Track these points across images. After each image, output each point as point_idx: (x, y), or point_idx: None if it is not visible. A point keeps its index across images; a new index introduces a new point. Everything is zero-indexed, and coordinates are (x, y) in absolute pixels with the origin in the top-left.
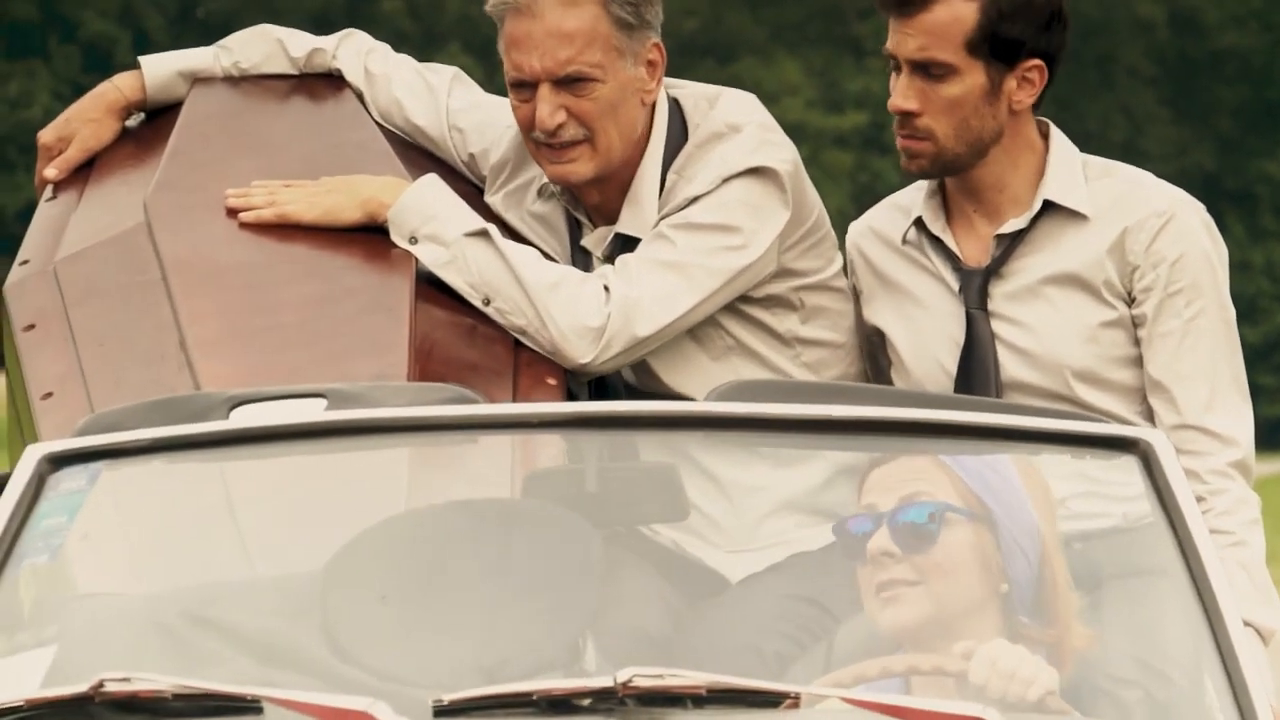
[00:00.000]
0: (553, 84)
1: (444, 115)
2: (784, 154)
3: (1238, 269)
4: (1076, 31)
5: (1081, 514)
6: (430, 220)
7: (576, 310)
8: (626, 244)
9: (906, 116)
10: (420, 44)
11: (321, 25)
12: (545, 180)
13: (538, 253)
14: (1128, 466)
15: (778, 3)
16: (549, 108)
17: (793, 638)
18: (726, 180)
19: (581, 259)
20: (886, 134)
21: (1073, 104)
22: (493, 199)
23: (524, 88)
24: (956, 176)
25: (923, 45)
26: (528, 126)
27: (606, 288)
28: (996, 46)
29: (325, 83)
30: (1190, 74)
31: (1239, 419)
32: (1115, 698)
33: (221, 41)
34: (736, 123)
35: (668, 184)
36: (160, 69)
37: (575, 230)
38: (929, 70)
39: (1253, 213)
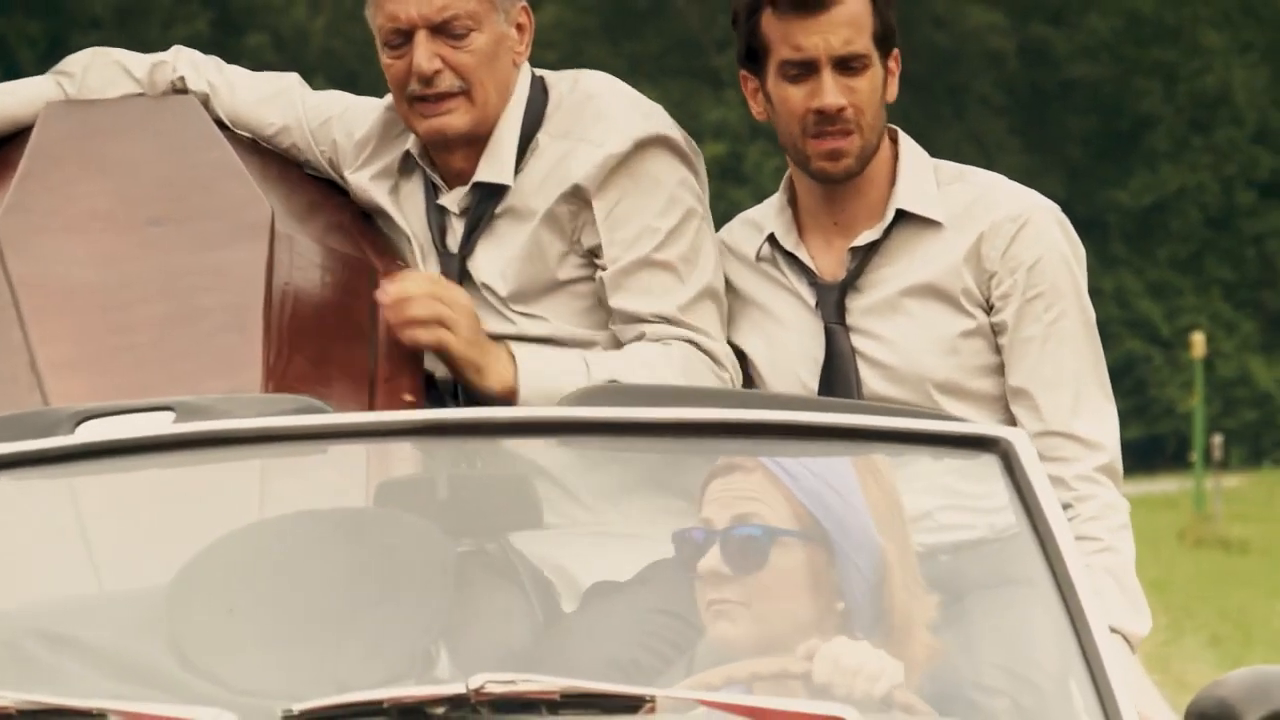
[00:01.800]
0: (429, 31)
1: (301, 110)
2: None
3: (1089, 296)
4: (929, 62)
5: (947, 525)
6: (557, 392)
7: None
8: (485, 193)
9: (833, 116)
10: None
11: None
12: (406, 150)
13: (643, 357)
14: (988, 466)
15: (636, 35)
16: (426, 54)
17: (651, 648)
18: (641, 145)
19: (438, 216)
20: (745, 164)
21: (925, 133)
22: (354, 176)
23: (399, 41)
24: (822, 185)
25: (847, 39)
26: (403, 80)
27: (693, 342)
28: (885, 35)
29: (176, 103)
30: (1040, 104)
31: (1105, 423)
32: (981, 706)
33: (58, 68)
34: (608, 88)
35: (539, 145)
36: None
37: (433, 194)
38: (849, 64)
39: (1103, 240)
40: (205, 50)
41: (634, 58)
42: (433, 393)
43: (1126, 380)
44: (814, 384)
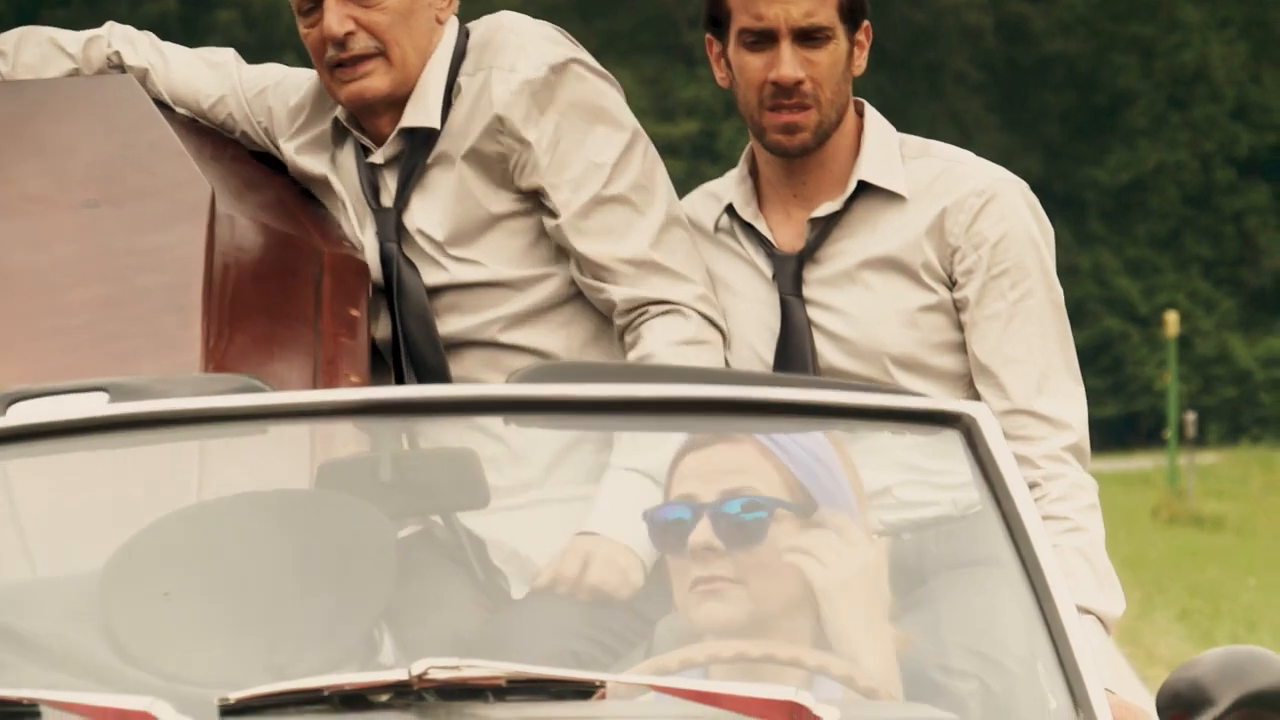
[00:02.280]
0: None
1: (237, 81)
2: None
3: (1065, 274)
4: (905, 39)
5: (910, 502)
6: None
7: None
8: (414, 142)
9: (789, 89)
10: (256, 51)
11: (159, 35)
12: (336, 117)
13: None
14: (950, 443)
15: (609, 12)
16: (336, 16)
17: (596, 640)
18: (556, 69)
19: (369, 175)
20: (718, 142)
21: (901, 111)
22: (289, 145)
23: (310, 8)
24: (782, 158)
25: (808, 10)
26: (320, 48)
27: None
28: (853, 7)
29: (113, 82)
30: (1018, 81)
31: (1071, 402)
32: (947, 689)
33: None
34: (514, 18)
35: (460, 87)
36: None
37: (363, 156)
38: (811, 36)
39: (1080, 218)
40: (175, 28)
41: (607, 35)
42: (379, 371)
43: (1104, 358)
44: (769, 356)
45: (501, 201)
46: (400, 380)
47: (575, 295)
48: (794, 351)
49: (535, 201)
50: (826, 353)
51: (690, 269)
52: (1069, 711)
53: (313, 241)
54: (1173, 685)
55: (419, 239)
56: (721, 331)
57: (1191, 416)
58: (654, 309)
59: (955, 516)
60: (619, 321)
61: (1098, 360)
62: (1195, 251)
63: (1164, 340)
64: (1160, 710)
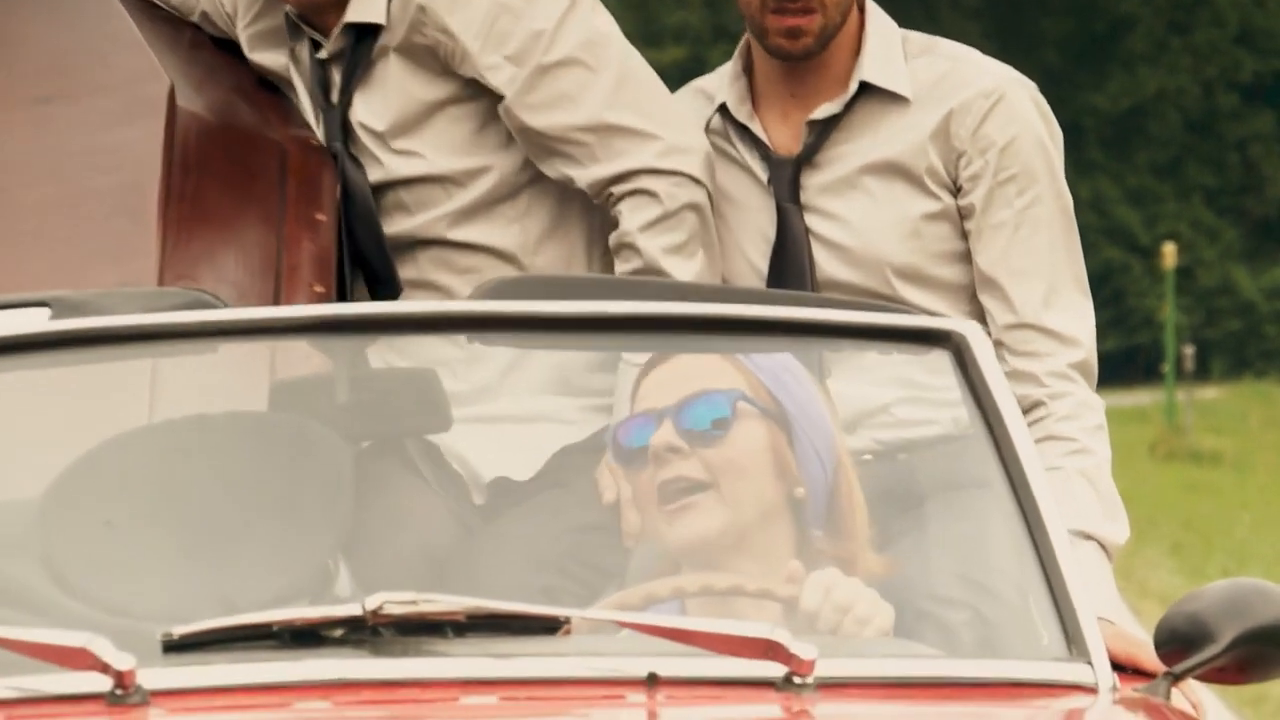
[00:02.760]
0: None
1: None
2: None
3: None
4: None
5: (905, 421)
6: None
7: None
8: (358, 36)
9: None
10: None
11: None
12: (286, 12)
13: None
14: (939, 362)
15: None
16: None
17: (568, 572)
18: None
19: (319, 71)
20: (706, 68)
21: None
22: (244, 33)
23: None
24: (781, 59)
25: None
26: None
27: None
28: None
29: None
30: (1015, 7)
31: (1080, 316)
32: (935, 618)
33: None
34: None
35: None
36: None
37: (315, 50)
38: None
39: (1080, 146)
40: None
41: None
42: (353, 278)
43: (1104, 290)
44: (764, 266)
45: (440, 88)
46: (343, 286)
47: (528, 185)
48: (791, 262)
49: (478, 87)
50: (825, 263)
51: (653, 119)
52: (1061, 645)
53: (276, 138)
54: (1171, 621)
55: (362, 134)
56: (697, 181)
57: (1190, 350)
58: (618, 189)
59: (953, 436)
60: (596, 203)
61: (1098, 292)
62: (1198, 180)
63: (1163, 273)
64: (1158, 646)
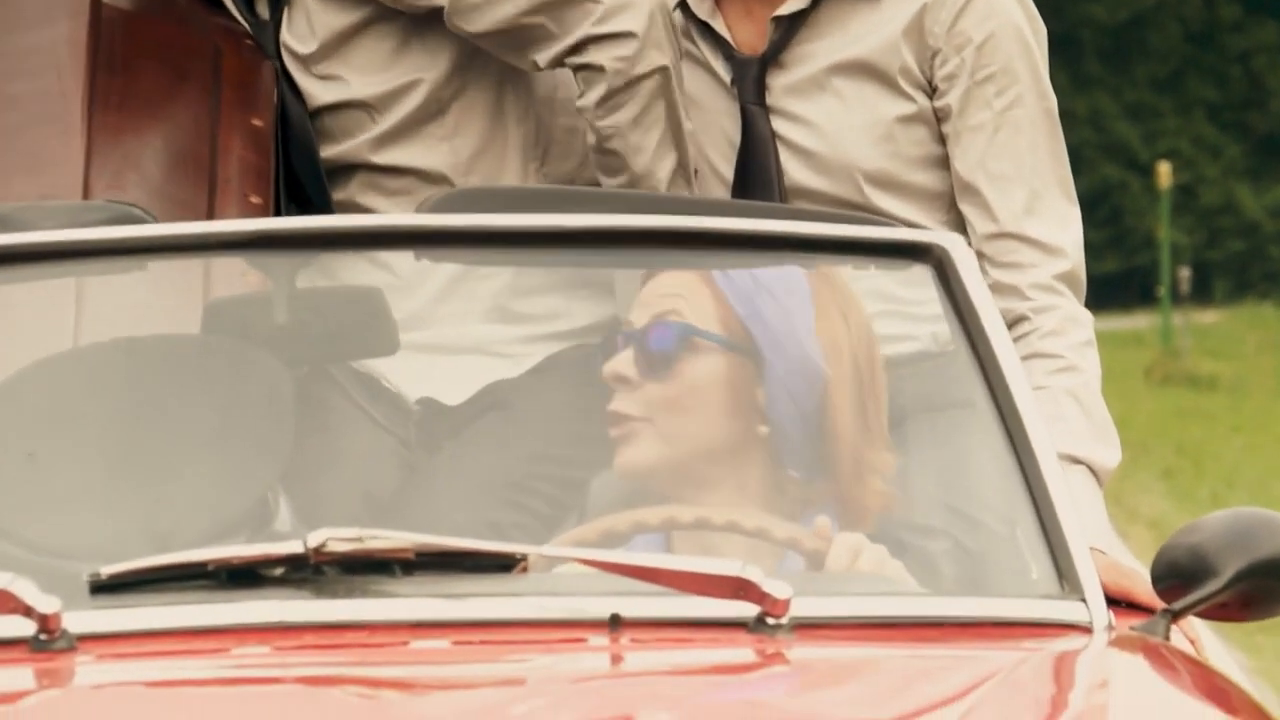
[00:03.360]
0: None
1: None
2: None
3: (1060, 120)
4: None
5: (886, 337)
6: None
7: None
8: None
9: None
10: None
11: None
12: None
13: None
14: (920, 277)
15: None
16: None
17: (522, 506)
18: None
19: None
20: None
21: None
22: None
23: None
24: None
25: None
26: None
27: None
28: None
29: None
30: None
31: (1065, 224)
32: (916, 552)
33: None
34: None
35: None
36: None
37: None
38: None
39: (1077, 59)
40: None
41: None
42: (290, 194)
43: (1101, 209)
44: (729, 172)
45: (358, 11)
46: (278, 206)
47: (454, 102)
48: (757, 167)
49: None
50: (792, 169)
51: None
52: (1052, 580)
53: (209, 38)
54: (1170, 553)
55: (287, 56)
56: (644, 37)
57: (1186, 273)
58: (570, 63)
59: (934, 354)
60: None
61: (1095, 211)
62: (1199, 94)
63: (1160, 192)
64: (1156, 581)
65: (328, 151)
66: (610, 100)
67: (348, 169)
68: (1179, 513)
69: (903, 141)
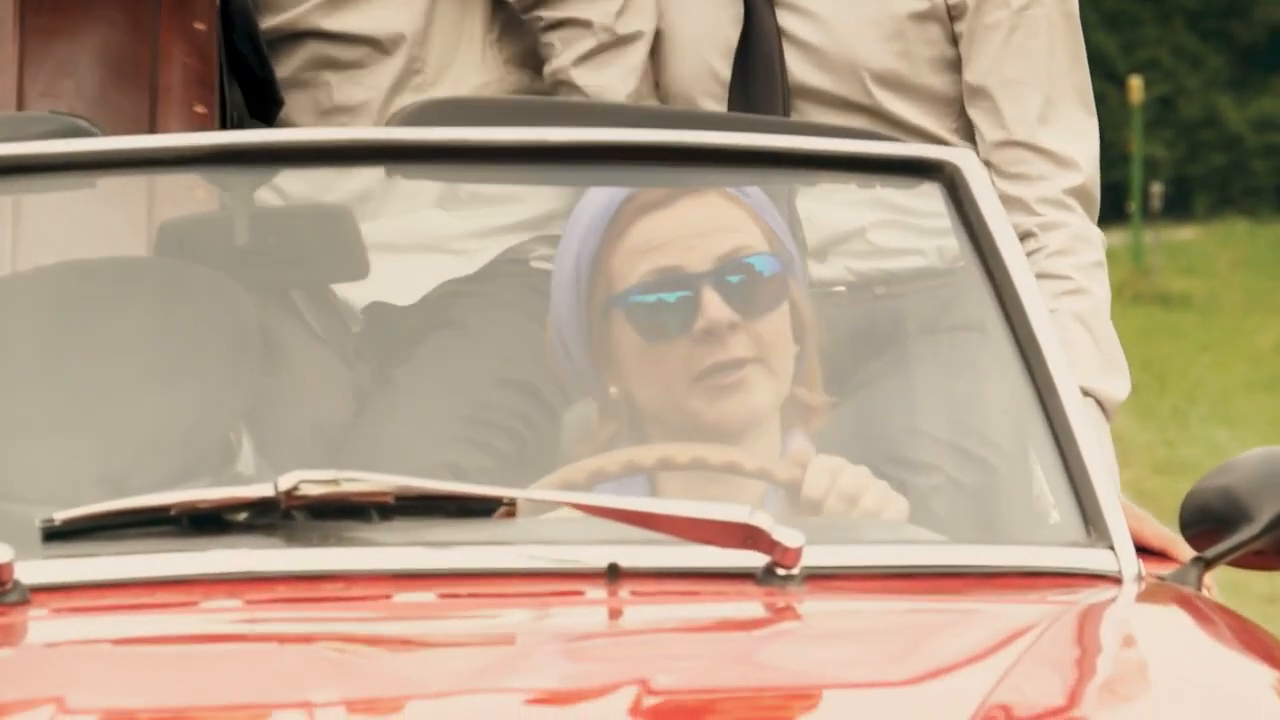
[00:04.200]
0: None
1: None
2: None
3: None
4: None
5: (884, 249)
6: None
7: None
8: None
9: None
10: None
11: None
12: None
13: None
14: (929, 196)
15: None
16: None
17: (488, 443)
18: None
19: None
20: None
21: None
22: None
23: None
24: None
25: None
26: None
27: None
28: None
29: None
30: None
31: (1080, 135)
32: (928, 494)
33: None
34: None
35: None
36: None
37: None
38: None
39: None
40: None
41: None
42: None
43: None
44: (726, 71)
45: None
46: (223, 100)
47: None
48: (759, 65)
49: None
50: (797, 67)
51: None
52: (1077, 525)
53: None
54: (1200, 496)
55: None
56: None
57: (1158, 189)
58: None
59: (944, 276)
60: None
61: None
62: (1179, 2)
63: (1146, 103)
64: (1185, 527)
65: (272, 21)
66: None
67: (295, 39)
68: (1139, 429)
69: (913, 40)
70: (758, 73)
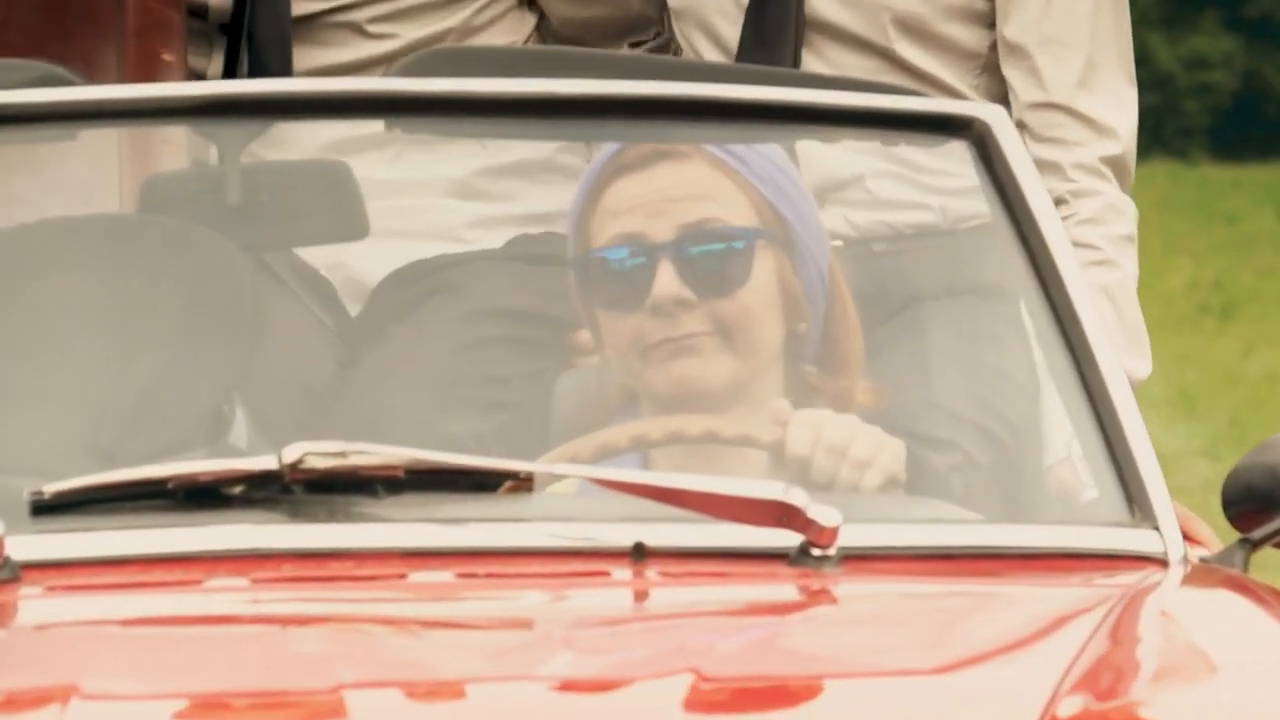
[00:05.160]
0: None
1: None
2: None
3: None
4: None
5: (887, 201)
6: None
7: None
8: None
9: None
10: None
11: None
12: None
13: None
14: (956, 155)
15: None
16: None
17: (485, 399)
18: None
19: None
20: None
21: None
22: None
23: None
24: None
25: None
26: None
27: None
28: None
29: None
30: None
31: (1122, 104)
32: (929, 465)
33: None
34: None
35: None
36: None
37: None
38: None
39: None
40: None
41: None
42: (195, 46)
43: None
44: None
45: None
46: (233, 67)
47: None
48: None
49: None
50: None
51: None
52: (1119, 504)
53: None
54: (1244, 475)
55: None
56: None
57: None
58: None
59: (946, 229)
60: None
61: None
62: None
63: None
64: (1227, 505)
65: (307, 5)
66: None
67: (329, 29)
68: None
69: None
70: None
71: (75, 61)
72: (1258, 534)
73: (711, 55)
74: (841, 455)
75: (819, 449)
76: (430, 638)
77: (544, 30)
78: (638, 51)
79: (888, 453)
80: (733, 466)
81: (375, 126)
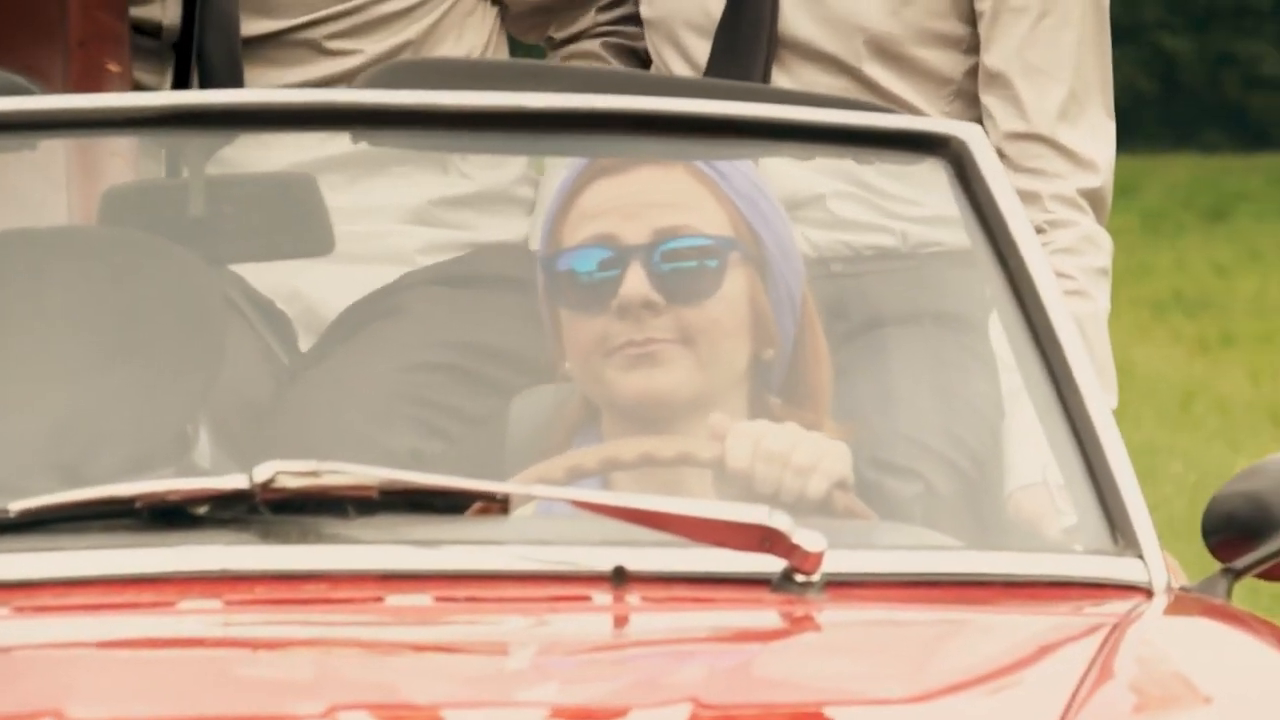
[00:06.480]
0: None
1: None
2: None
3: None
4: None
5: (847, 222)
6: None
7: None
8: None
9: None
10: None
11: None
12: None
13: None
14: (931, 174)
15: None
16: None
17: (427, 422)
18: None
19: None
20: None
21: None
22: None
23: None
24: None
25: None
26: None
27: None
28: None
29: None
30: None
31: (1101, 138)
32: (892, 494)
33: None
34: None
35: None
36: None
37: None
38: None
39: None
40: None
41: None
42: (146, 63)
43: None
44: (717, 10)
45: None
46: (183, 82)
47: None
48: (749, 8)
49: None
50: (792, 15)
51: None
52: (1102, 532)
53: None
54: (1225, 503)
55: None
56: None
57: None
58: None
59: (903, 254)
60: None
61: None
62: None
63: None
64: (1209, 535)
65: (255, 26)
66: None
67: (284, 47)
68: None
69: (920, 8)
70: (751, 17)
71: (18, 70)
72: (1241, 563)
73: (680, 69)
74: (783, 464)
75: (758, 460)
76: (411, 663)
77: (506, 19)
78: (616, 66)
79: (830, 457)
80: (692, 486)
81: (336, 145)
